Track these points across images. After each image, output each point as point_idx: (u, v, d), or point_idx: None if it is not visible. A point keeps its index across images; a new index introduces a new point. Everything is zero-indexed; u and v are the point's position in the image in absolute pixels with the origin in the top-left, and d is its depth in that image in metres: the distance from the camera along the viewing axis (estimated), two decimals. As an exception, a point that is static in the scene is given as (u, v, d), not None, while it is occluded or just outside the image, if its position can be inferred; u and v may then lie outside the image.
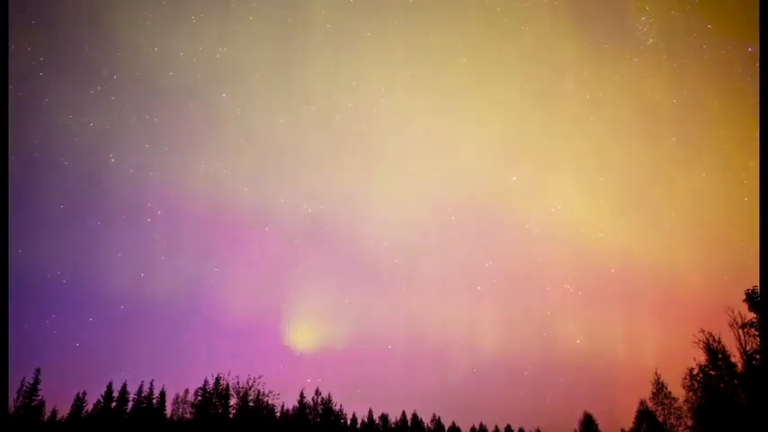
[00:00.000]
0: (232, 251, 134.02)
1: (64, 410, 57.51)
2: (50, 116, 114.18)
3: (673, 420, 44.57)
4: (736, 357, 35.18)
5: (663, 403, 46.16)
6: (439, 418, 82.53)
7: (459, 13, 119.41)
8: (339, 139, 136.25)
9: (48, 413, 56.86)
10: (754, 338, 32.86)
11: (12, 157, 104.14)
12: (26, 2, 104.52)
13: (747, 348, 33.45)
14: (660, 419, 45.61)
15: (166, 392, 60.73)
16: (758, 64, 22.22)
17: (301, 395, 62.41)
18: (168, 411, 60.89)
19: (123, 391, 57.81)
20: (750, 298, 32.24)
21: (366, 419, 75.38)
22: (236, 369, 58.17)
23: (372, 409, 76.73)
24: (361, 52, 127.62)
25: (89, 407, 57.26)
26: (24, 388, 52.29)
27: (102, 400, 56.70)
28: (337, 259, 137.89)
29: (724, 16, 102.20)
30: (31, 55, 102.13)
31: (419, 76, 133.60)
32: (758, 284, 31.06)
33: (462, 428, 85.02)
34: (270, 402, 52.94)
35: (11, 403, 49.92)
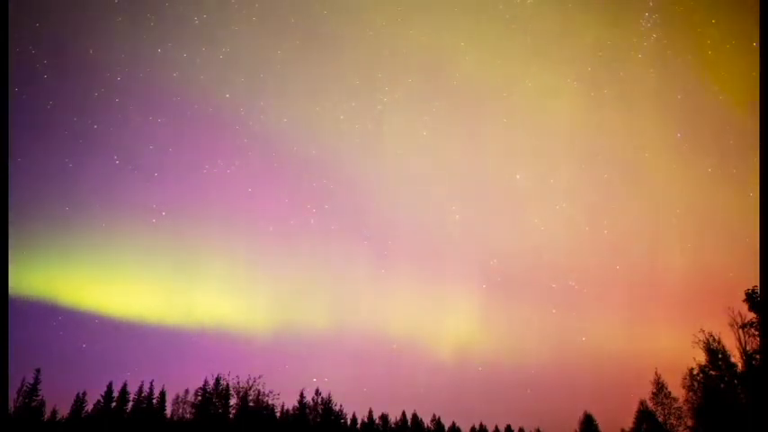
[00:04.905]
0: (235, 252, 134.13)
1: (64, 410, 57.78)
2: (54, 118, 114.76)
3: (673, 420, 44.41)
4: (736, 357, 35.16)
5: (663, 403, 46.01)
6: (439, 418, 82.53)
7: (461, 11, 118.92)
8: (342, 138, 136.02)
9: (48, 413, 57.11)
10: (754, 338, 32.72)
11: (17, 160, 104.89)
12: (30, 4, 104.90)
13: (747, 348, 33.30)
14: (660, 419, 45.42)
15: (166, 392, 60.90)
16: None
17: (301, 395, 62.31)
18: (168, 411, 60.95)
19: (123, 391, 57.87)
20: (750, 298, 32.04)
21: (366, 419, 75.34)
22: (237, 369, 57.86)
23: (372, 409, 76.89)
24: (363, 51, 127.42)
25: (89, 407, 57.41)
26: (24, 388, 52.48)
27: (102, 401, 56.82)
28: (340, 259, 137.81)
29: (727, 12, 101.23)
30: (35, 57, 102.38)
31: (421, 74, 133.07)
32: (758, 284, 30.79)
33: (462, 428, 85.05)
34: (270, 402, 53.03)
35: (11, 403, 50.17)
